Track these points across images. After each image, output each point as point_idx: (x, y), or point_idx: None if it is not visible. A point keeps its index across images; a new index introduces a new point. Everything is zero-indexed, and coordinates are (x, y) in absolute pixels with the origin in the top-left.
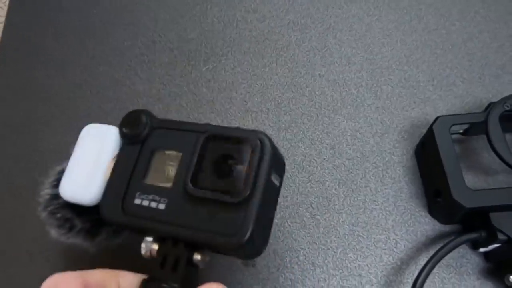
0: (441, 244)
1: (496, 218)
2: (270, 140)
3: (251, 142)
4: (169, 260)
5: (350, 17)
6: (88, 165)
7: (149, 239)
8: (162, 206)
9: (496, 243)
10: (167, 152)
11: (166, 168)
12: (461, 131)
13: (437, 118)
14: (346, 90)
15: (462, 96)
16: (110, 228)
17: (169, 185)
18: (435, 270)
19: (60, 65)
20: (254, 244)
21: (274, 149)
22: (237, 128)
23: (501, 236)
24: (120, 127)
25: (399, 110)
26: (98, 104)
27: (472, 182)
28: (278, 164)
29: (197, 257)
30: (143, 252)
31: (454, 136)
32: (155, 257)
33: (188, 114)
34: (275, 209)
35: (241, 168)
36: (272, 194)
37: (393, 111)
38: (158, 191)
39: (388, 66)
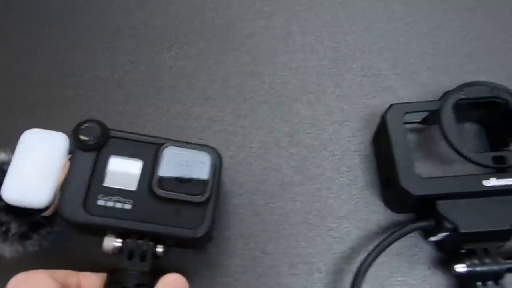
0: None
1: (443, 206)
2: (218, 154)
3: (210, 155)
4: (136, 253)
5: (315, 5)
6: (37, 170)
7: (111, 236)
8: (128, 206)
9: (444, 232)
10: (126, 159)
11: (125, 174)
12: (420, 120)
13: (391, 105)
14: (307, 78)
15: (425, 85)
16: (44, 231)
17: (133, 188)
18: (385, 259)
19: (22, 51)
20: (209, 236)
21: (221, 160)
22: (194, 144)
23: (447, 224)
24: (75, 134)
25: (360, 98)
26: (61, 91)
27: (428, 171)
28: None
29: (160, 249)
30: (105, 248)
31: (412, 125)
32: (116, 253)
33: (149, 101)
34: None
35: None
36: (218, 192)
37: (354, 99)
38: (123, 193)
39: (351, 54)
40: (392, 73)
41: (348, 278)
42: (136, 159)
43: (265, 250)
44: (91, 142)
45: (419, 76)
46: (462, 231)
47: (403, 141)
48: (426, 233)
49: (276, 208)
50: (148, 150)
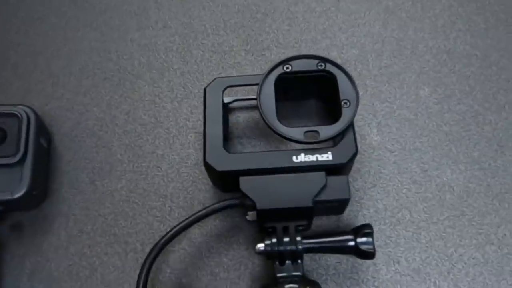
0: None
1: (245, 183)
2: (35, 112)
3: (18, 115)
4: None
5: None
6: None
7: None
8: None
9: (247, 210)
10: None
11: None
12: (244, 97)
13: (214, 79)
14: (154, 55)
15: (274, 61)
16: None
17: None
18: (203, 239)
19: None
20: (34, 196)
21: (39, 119)
22: (3, 105)
23: (247, 201)
24: None
25: (205, 75)
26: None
27: (251, 148)
28: (44, 131)
29: None
30: None
31: (247, 102)
32: None
33: None
34: (47, 165)
35: (12, 136)
36: (42, 154)
37: (199, 76)
38: None
39: (204, 30)
40: (242, 50)
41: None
42: None
43: (83, 229)
44: None
45: (269, 52)
46: (259, 208)
47: (216, 115)
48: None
49: (100, 186)
50: None
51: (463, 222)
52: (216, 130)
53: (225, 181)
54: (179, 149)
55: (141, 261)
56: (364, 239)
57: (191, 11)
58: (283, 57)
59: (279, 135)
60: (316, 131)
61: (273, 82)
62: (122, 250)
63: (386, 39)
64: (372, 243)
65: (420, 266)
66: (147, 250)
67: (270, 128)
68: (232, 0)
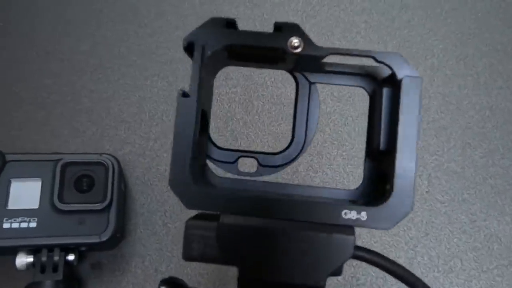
0: None
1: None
2: (117, 160)
3: (105, 164)
4: (48, 265)
5: None
6: None
7: (23, 254)
8: (33, 224)
9: None
10: (26, 180)
11: (27, 194)
12: None
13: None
14: (218, 105)
15: None
16: None
17: (36, 206)
18: None
19: None
20: (117, 238)
21: (120, 166)
22: (89, 154)
23: None
24: None
25: (266, 125)
26: None
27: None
28: (123, 176)
29: (71, 257)
30: (18, 266)
31: None
32: (30, 268)
33: (66, 122)
34: (124, 208)
35: (100, 184)
36: (121, 198)
37: (260, 126)
38: (27, 213)
39: (263, 82)
40: None
41: None
42: (36, 178)
43: (158, 269)
44: None
45: (325, 106)
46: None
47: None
48: None
49: (172, 228)
50: (46, 167)
51: (511, 272)
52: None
53: None
54: None
55: None
56: None
57: None
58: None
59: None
60: None
61: None
62: None
63: (432, 95)
64: None
65: None
66: None
67: None
68: None
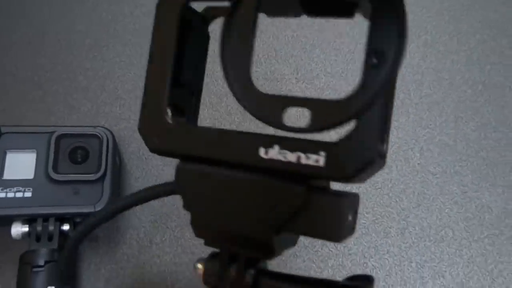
0: None
1: (182, 174)
2: (112, 133)
3: (99, 136)
4: (43, 234)
5: None
6: None
7: (18, 223)
8: (28, 194)
9: None
10: (20, 151)
11: (22, 165)
12: None
13: None
14: (213, 81)
15: None
16: None
17: (30, 177)
18: None
19: None
20: None
21: (115, 140)
22: (83, 127)
23: None
24: None
25: None
26: None
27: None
28: (117, 150)
29: (66, 227)
30: (14, 235)
31: None
32: (25, 238)
33: (62, 99)
34: (119, 180)
35: (94, 155)
36: (117, 171)
37: None
38: (22, 183)
39: (257, 59)
40: (293, 77)
41: None
42: (31, 149)
43: (153, 240)
44: None
45: (319, 81)
46: (193, 222)
47: (166, 53)
48: None
49: (166, 201)
50: (41, 139)
51: (502, 241)
52: (159, 82)
53: None
54: None
55: None
56: None
57: None
58: (331, 85)
59: (240, 103)
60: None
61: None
62: (189, 260)
63: (425, 70)
64: None
65: (463, 280)
66: None
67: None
68: (283, 32)
